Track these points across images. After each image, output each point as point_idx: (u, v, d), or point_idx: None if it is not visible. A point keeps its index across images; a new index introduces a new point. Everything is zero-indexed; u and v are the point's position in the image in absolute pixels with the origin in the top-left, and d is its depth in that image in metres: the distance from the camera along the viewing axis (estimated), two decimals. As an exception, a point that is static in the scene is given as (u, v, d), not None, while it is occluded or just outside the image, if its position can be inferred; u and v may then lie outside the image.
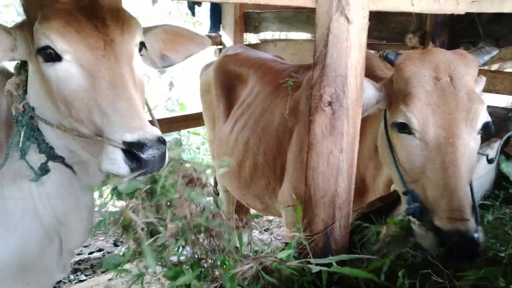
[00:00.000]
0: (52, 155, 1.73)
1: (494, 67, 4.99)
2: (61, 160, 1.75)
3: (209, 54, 5.82)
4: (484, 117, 1.81)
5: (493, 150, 2.59)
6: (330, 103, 1.59)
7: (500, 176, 2.30)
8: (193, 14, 6.49)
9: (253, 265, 1.38)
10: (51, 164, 1.76)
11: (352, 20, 1.54)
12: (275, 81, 3.24)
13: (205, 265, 1.37)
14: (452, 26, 3.96)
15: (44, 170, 1.74)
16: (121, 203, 1.37)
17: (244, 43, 5.51)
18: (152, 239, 1.29)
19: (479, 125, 1.81)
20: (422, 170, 1.79)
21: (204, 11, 8.18)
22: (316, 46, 1.59)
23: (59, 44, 1.50)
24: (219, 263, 1.38)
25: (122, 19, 1.61)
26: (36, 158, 1.74)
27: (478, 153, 1.89)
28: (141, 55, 1.72)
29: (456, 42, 3.90)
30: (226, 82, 3.78)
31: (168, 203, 1.37)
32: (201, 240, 1.38)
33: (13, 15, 7.68)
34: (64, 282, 4.04)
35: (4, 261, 1.84)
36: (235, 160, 3.31)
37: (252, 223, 4.65)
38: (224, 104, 3.76)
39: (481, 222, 2.07)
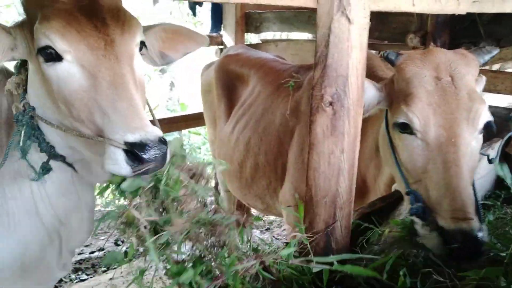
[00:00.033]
0: (53, 154, 1.73)
1: (495, 67, 4.98)
2: (62, 159, 1.75)
3: (210, 54, 5.83)
4: (486, 116, 1.81)
5: (494, 150, 2.59)
6: (331, 103, 1.60)
7: (500, 176, 2.30)
8: (194, 14, 6.48)
9: (255, 263, 1.38)
10: (52, 163, 1.76)
11: (353, 20, 1.54)
12: (276, 81, 3.25)
13: (208, 262, 1.37)
14: (453, 26, 3.96)
15: (45, 169, 1.74)
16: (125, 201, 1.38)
17: (245, 43, 5.51)
18: (155, 237, 1.29)
19: (481, 124, 1.81)
20: (424, 170, 1.79)
21: (205, 11, 8.18)
22: (317, 46, 1.60)
23: (60, 44, 1.50)
24: (223, 258, 1.38)
25: (122, 18, 1.61)
26: (36, 157, 1.74)
27: (479, 153, 1.89)
28: (141, 54, 1.72)
29: (457, 42, 3.90)
30: (227, 82, 3.79)
31: (173, 199, 1.38)
32: (204, 235, 1.38)
33: (14, 15, 7.68)
34: (65, 282, 4.04)
35: (4, 261, 1.84)
36: (236, 160, 3.31)
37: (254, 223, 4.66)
38: (225, 104, 3.76)
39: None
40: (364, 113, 1.98)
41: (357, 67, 1.61)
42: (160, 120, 1.85)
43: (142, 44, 1.72)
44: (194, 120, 5.25)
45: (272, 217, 5.39)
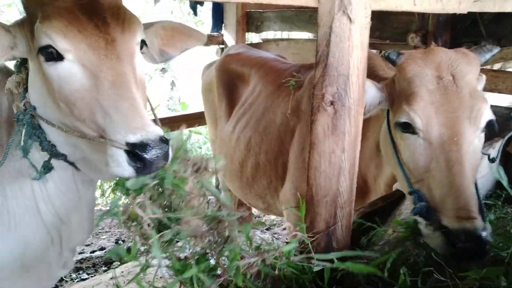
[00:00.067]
0: (54, 153, 1.72)
1: (496, 66, 4.99)
2: (63, 157, 1.75)
3: (211, 54, 5.83)
4: (488, 115, 1.81)
5: (495, 149, 2.59)
6: (332, 103, 1.60)
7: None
8: (195, 13, 6.48)
9: (257, 260, 1.38)
10: (53, 162, 1.76)
11: (354, 20, 1.54)
12: (277, 80, 3.25)
13: (211, 259, 1.38)
14: (454, 26, 3.97)
15: (47, 168, 1.74)
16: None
17: (246, 43, 5.51)
18: (159, 234, 1.30)
19: (483, 123, 1.81)
20: (427, 169, 1.79)
21: (206, 11, 8.19)
22: (318, 46, 1.59)
23: (61, 44, 1.49)
24: (226, 253, 1.38)
25: (122, 17, 1.61)
26: (38, 156, 1.74)
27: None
28: (142, 52, 1.72)
29: (458, 41, 3.90)
30: (228, 81, 3.79)
31: (178, 196, 1.38)
32: (208, 231, 1.38)
33: (15, 14, 7.69)
34: (66, 281, 4.05)
35: (5, 260, 1.83)
36: (237, 159, 3.31)
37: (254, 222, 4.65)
38: (226, 104, 3.76)
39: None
40: (366, 114, 1.98)
41: (358, 66, 1.61)
42: (161, 120, 1.85)
43: (143, 43, 1.72)
44: (195, 119, 5.26)
45: (272, 217, 5.39)
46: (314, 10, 1.59)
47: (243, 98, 3.57)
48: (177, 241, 1.36)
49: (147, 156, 1.37)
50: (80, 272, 4.21)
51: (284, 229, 4.91)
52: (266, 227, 5.26)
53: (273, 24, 5.44)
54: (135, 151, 1.37)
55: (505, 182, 1.86)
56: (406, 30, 4.14)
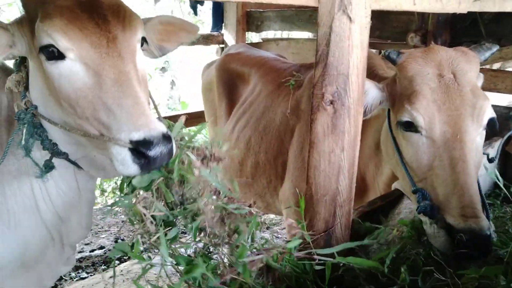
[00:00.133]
0: (55, 152, 1.72)
1: (496, 66, 4.99)
2: (64, 156, 1.75)
3: (211, 53, 5.83)
4: (490, 112, 1.82)
5: (494, 149, 2.60)
6: (331, 102, 1.60)
7: (500, 175, 2.30)
8: (195, 13, 6.48)
9: (265, 257, 1.39)
10: (54, 160, 1.75)
11: (354, 19, 1.54)
12: (277, 80, 3.25)
13: (215, 255, 1.38)
14: (454, 26, 3.97)
15: (48, 167, 1.74)
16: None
17: (246, 42, 5.51)
18: (164, 231, 1.30)
19: (485, 120, 1.81)
20: (430, 168, 1.79)
21: (206, 10, 8.19)
22: (318, 45, 1.60)
23: (62, 43, 1.49)
24: (236, 246, 1.38)
25: (123, 15, 1.61)
26: (38, 155, 1.74)
27: (481, 152, 1.90)
28: (142, 50, 1.72)
29: (458, 41, 3.91)
30: (228, 80, 3.79)
31: (189, 187, 1.39)
32: (217, 223, 1.38)
33: (16, 13, 7.69)
34: (66, 280, 4.05)
35: (5, 260, 1.83)
36: (237, 158, 3.31)
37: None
38: (226, 103, 3.76)
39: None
40: (367, 114, 1.98)
41: (358, 66, 1.61)
42: (161, 119, 1.85)
43: (143, 40, 1.73)
44: (195, 118, 5.25)
45: (272, 216, 5.40)
46: (314, 9, 1.60)
47: (243, 97, 3.58)
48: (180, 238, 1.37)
49: (151, 153, 1.37)
50: (80, 271, 4.21)
51: (284, 228, 4.91)
52: (266, 226, 5.27)
53: (273, 24, 5.44)
54: (139, 149, 1.37)
55: (500, 183, 1.86)
56: (406, 29, 4.14)
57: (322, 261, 1.52)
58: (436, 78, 1.86)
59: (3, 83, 1.75)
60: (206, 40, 5.51)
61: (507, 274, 1.48)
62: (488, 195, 2.64)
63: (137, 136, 1.38)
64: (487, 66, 4.11)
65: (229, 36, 5.46)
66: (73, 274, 4.15)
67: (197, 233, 1.38)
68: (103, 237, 4.86)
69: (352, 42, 1.57)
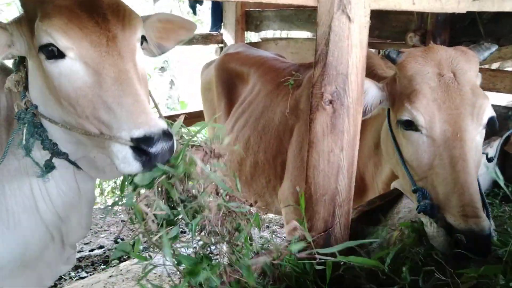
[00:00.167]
0: (56, 152, 1.72)
1: (495, 66, 5.00)
2: (64, 156, 1.75)
3: (210, 53, 5.83)
4: (489, 111, 1.82)
5: (492, 148, 2.60)
6: (331, 102, 1.60)
7: (500, 175, 2.32)
8: (195, 12, 6.47)
9: (268, 259, 1.39)
10: (54, 160, 1.75)
11: (354, 19, 1.54)
12: (276, 79, 3.25)
13: (216, 254, 1.38)
14: (453, 25, 3.97)
15: (49, 167, 1.74)
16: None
17: (245, 42, 5.51)
18: (165, 230, 1.30)
19: (485, 119, 1.82)
20: (431, 167, 1.79)
21: (205, 10, 8.19)
22: (317, 45, 1.60)
23: (62, 42, 1.49)
24: (239, 243, 1.38)
25: (122, 14, 1.61)
26: (38, 155, 1.74)
27: (481, 152, 1.90)
28: (142, 48, 1.72)
29: (457, 41, 3.91)
30: (227, 80, 3.79)
31: (191, 184, 1.39)
32: (219, 221, 1.38)
33: (15, 13, 7.68)
34: (65, 279, 4.05)
35: (5, 259, 1.83)
36: (236, 158, 3.32)
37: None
38: (225, 103, 3.76)
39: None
40: (367, 114, 1.99)
41: (357, 65, 1.61)
42: (160, 118, 1.85)
43: (143, 38, 1.73)
44: (194, 118, 5.25)
45: (271, 215, 5.40)
46: (314, 9, 1.60)
47: (242, 97, 3.58)
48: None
49: (152, 150, 1.37)
50: (79, 271, 4.21)
51: (282, 226, 4.91)
52: (266, 225, 5.27)
53: (272, 23, 5.44)
54: (140, 146, 1.37)
55: (501, 182, 1.86)
56: (405, 29, 4.14)
57: (322, 261, 1.52)
58: (436, 77, 1.87)
59: (2, 83, 1.75)
60: (205, 39, 5.51)
61: (506, 273, 1.48)
62: (487, 194, 2.65)
63: (138, 133, 1.38)
64: (486, 66, 4.11)
65: (228, 36, 5.46)
66: (72, 274, 4.14)
67: (197, 232, 1.38)
68: (103, 237, 4.86)
69: (351, 42, 1.57)
